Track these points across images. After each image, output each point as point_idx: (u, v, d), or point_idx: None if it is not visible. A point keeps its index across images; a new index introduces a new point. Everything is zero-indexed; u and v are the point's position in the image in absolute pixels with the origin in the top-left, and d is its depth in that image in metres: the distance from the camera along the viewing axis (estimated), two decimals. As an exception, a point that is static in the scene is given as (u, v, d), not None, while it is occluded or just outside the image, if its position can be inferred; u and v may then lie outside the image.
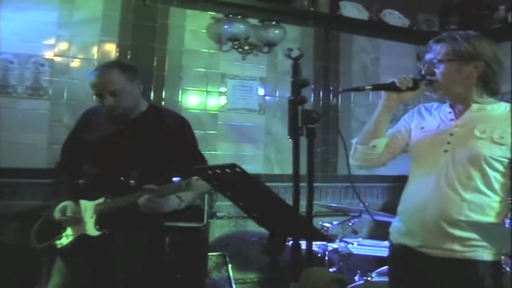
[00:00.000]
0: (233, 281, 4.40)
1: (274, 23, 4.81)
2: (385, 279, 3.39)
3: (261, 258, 4.54)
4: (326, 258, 3.92)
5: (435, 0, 5.52)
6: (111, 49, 4.48)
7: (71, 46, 4.34)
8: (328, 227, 4.01)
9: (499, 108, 2.38)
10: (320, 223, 4.09)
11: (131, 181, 2.89)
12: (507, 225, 2.63)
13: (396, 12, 5.43)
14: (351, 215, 4.05)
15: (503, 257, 2.42)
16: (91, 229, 2.93)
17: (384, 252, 3.20)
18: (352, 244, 3.98)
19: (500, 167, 2.28)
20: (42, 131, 4.22)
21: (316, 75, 5.18)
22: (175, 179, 2.61)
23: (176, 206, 2.86)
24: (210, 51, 4.82)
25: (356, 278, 3.77)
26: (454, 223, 2.25)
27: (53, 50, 4.28)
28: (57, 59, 4.30)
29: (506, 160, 2.27)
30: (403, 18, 5.45)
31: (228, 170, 1.54)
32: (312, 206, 1.81)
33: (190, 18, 4.75)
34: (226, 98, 4.87)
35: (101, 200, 2.93)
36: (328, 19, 5.23)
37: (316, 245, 3.89)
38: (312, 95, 5.11)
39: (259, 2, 4.83)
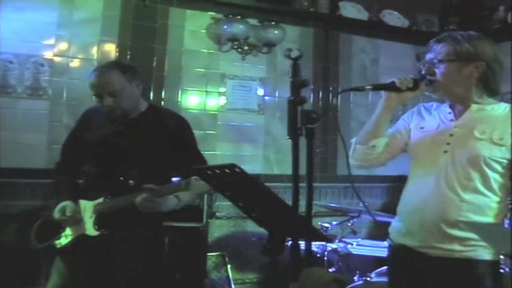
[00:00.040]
0: (232, 281, 4.40)
1: (273, 23, 4.82)
2: (384, 279, 3.38)
3: (260, 258, 4.55)
4: (325, 258, 3.92)
5: (435, 1, 5.52)
6: (111, 49, 4.48)
7: (71, 46, 4.35)
8: (327, 227, 4.02)
9: (499, 108, 2.38)
10: (320, 223, 4.09)
11: (130, 181, 2.89)
12: (506, 226, 2.63)
13: (396, 13, 5.43)
14: (350, 215, 4.06)
15: (501, 257, 2.41)
16: (90, 229, 2.93)
17: (383, 253, 3.20)
18: (351, 244, 3.98)
19: (499, 168, 2.28)
20: (42, 131, 4.22)
21: (316, 75, 5.18)
22: (174, 179, 2.61)
23: (174, 206, 2.86)
24: (210, 51, 4.83)
25: (355, 278, 3.77)
26: (453, 224, 2.25)
27: (52, 50, 4.28)
28: (57, 59, 4.30)
29: (505, 161, 2.27)
30: (403, 18, 5.45)
31: (227, 170, 1.54)
32: (312, 206, 1.81)
33: (190, 18, 4.75)
34: (225, 98, 4.87)
35: (100, 200, 2.93)
36: (328, 19, 5.23)
37: (315, 245, 3.89)
38: (312, 95, 5.11)
39: (259, 3, 4.83)
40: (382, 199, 5.39)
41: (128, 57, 4.49)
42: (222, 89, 4.86)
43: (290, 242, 1.79)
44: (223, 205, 4.63)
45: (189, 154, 3.01)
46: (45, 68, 4.25)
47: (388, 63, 5.51)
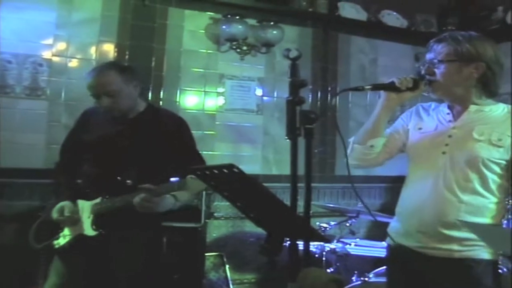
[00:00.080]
0: (230, 282, 4.40)
1: (272, 23, 4.82)
2: (382, 279, 3.39)
3: (258, 258, 4.55)
4: (324, 258, 3.92)
5: (433, 1, 5.52)
6: (110, 49, 4.48)
7: (70, 46, 4.34)
8: (325, 228, 4.01)
9: (497, 109, 2.38)
10: (318, 223, 4.09)
11: (128, 181, 2.88)
12: (504, 226, 2.64)
13: (395, 13, 5.43)
14: (348, 216, 4.06)
15: (500, 257, 2.42)
16: (88, 229, 2.93)
17: (382, 253, 3.20)
18: (350, 244, 3.98)
19: (498, 169, 2.28)
20: (40, 131, 4.22)
21: (314, 75, 5.18)
22: (173, 179, 2.61)
23: (171, 205, 2.86)
24: (208, 51, 4.83)
25: (354, 278, 3.77)
26: (451, 225, 2.25)
27: (51, 50, 4.28)
28: (55, 59, 4.30)
29: (503, 162, 2.27)
30: (401, 19, 5.45)
31: (226, 171, 1.54)
32: (310, 207, 1.81)
33: (189, 19, 4.75)
34: (224, 98, 4.87)
35: (98, 200, 2.93)
36: (327, 19, 5.23)
37: (313, 246, 3.89)
38: (310, 95, 5.11)
39: (258, 3, 4.83)
40: (381, 199, 5.39)
41: (127, 57, 4.49)
42: (220, 89, 4.86)
43: (288, 242, 1.79)
44: (222, 205, 4.62)
45: (188, 154, 3.01)
46: (43, 68, 4.24)
47: (387, 64, 5.51)
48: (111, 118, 3.00)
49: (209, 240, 4.59)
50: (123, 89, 2.93)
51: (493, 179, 2.29)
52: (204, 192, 4.02)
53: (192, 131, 3.15)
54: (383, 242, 2.70)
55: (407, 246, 2.40)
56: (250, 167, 4.75)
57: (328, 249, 3.92)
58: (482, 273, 2.26)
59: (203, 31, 4.80)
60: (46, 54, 4.26)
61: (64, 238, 3.01)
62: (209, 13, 4.81)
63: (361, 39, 5.46)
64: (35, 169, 4.12)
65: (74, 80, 4.27)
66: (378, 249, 3.81)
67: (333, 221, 4.14)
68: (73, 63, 4.36)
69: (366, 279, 3.66)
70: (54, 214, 2.96)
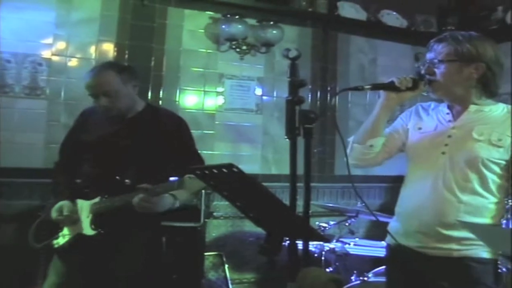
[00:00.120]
0: (229, 281, 4.40)
1: (272, 23, 4.82)
2: (381, 279, 3.39)
3: (258, 258, 4.55)
4: (323, 258, 3.93)
5: (433, 1, 5.52)
6: (109, 49, 4.48)
7: (69, 46, 4.34)
8: (325, 227, 4.02)
9: (497, 109, 2.38)
10: (317, 223, 4.09)
11: (127, 181, 2.88)
12: (503, 226, 2.64)
13: (394, 13, 5.43)
14: (347, 215, 4.06)
15: (499, 257, 2.42)
16: (87, 229, 2.93)
17: (381, 252, 3.20)
18: (349, 244, 3.99)
19: (497, 169, 2.28)
20: (39, 131, 4.22)
21: (314, 75, 5.18)
22: (172, 179, 2.61)
23: (170, 205, 2.85)
24: (208, 51, 4.83)
25: (353, 278, 3.77)
26: (451, 225, 2.25)
27: (50, 49, 4.28)
28: (55, 58, 4.30)
29: (503, 162, 2.27)
30: (401, 18, 5.45)
31: (225, 170, 1.54)
32: (309, 206, 1.81)
33: (188, 18, 4.75)
34: (223, 98, 4.87)
35: (97, 199, 2.93)
36: (326, 19, 5.23)
37: (313, 245, 3.90)
38: (310, 95, 5.11)
39: (257, 2, 4.83)
40: (380, 199, 5.39)
41: (126, 56, 4.49)
42: (220, 89, 4.86)
43: (287, 242, 1.79)
44: (221, 205, 4.62)
45: (187, 154, 3.01)
46: (43, 67, 4.24)
47: (387, 63, 5.51)
48: (109, 117, 3.00)
49: (209, 239, 4.59)
50: (121, 89, 2.93)
51: (493, 179, 2.29)
52: (203, 192, 4.01)
53: (192, 131, 3.15)
54: (382, 242, 2.70)
55: (407, 245, 2.39)
56: (250, 167, 4.76)
57: (328, 248, 3.93)
58: (482, 272, 2.26)
59: (202, 31, 4.80)
60: (46, 54, 4.26)
61: (63, 237, 3.01)
62: (208, 12, 4.81)
63: (360, 39, 5.46)
64: (35, 169, 4.12)
65: (73, 79, 4.27)
66: (377, 249, 3.81)
67: (332, 220, 4.14)
68: (73, 62, 4.36)
69: (365, 278, 3.66)
70: (53, 214, 2.96)
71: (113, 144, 2.97)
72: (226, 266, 4.44)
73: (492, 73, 2.33)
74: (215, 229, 4.74)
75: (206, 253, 4.35)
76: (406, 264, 2.42)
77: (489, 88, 2.37)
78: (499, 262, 2.34)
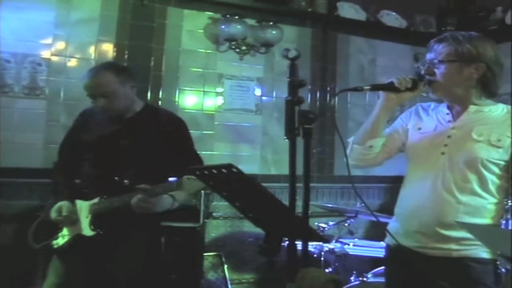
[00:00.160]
0: (229, 282, 4.40)
1: (271, 23, 4.82)
2: (380, 279, 3.39)
3: (257, 258, 4.56)
4: (322, 258, 3.92)
5: (433, 1, 5.52)
6: (109, 49, 4.48)
7: (68, 46, 4.34)
8: (324, 228, 4.02)
9: (497, 110, 2.38)
10: (316, 223, 4.09)
11: (126, 181, 2.88)
12: (502, 227, 2.63)
13: (394, 13, 5.43)
14: (347, 216, 4.06)
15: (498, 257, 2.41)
16: (86, 229, 2.93)
17: (380, 253, 3.20)
18: (348, 244, 3.98)
19: (497, 170, 2.28)
20: (39, 131, 4.22)
21: (313, 75, 5.18)
22: (171, 179, 2.61)
23: (169, 205, 2.86)
24: (207, 51, 4.83)
25: (352, 278, 3.76)
26: (450, 225, 2.25)
27: (50, 49, 4.28)
28: (54, 58, 4.30)
29: (502, 163, 2.27)
30: (401, 19, 5.45)
31: (224, 170, 1.54)
32: (308, 207, 1.81)
33: (188, 18, 4.75)
34: (223, 98, 4.87)
35: (96, 200, 2.93)
36: (326, 19, 5.24)
37: (312, 246, 3.90)
38: (309, 95, 5.12)
39: (257, 3, 4.83)
40: (380, 199, 5.39)
41: (126, 56, 4.49)
42: (219, 89, 4.86)
43: (286, 243, 1.79)
44: (220, 205, 4.62)
45: (186, 154, 3.01)
46: (42, 67, 4.24)
47: (386, 64, 5.51)
48: (108, 118, 3.00)
49: (208, 240, 4.59)
50: (119, 90, 2.93)
51: (492, 180, 2.28)
52: (202, 192, 4.01)
53: (191, 131, 3.15)
54: (382, 242, 2.70)
55: (406, 246, 2.39)
56: (249, 167, 4.76)
57: (327, 249, 3.93)
58: (481, 272, 2.26)
59: (202, 31, 4.80)
60: (45, 54, 4.26)
61: (62, 238, 3.01)
62: (208, 13, 4.81)
63: (360, 39, 5.46)
64: (34, 169, 4.12)
65: (73, 79, 4.26)
66: (377, 249, 3.81)
67: (331, 221, 4.14)
68: (72, 62, 4.35)
69: (365, 279, 3.66)
70: (53, 214, 2.96)
71: (112, 145, 2.97)
72: (225, 266, 4.44)
73: (492, 73, 2.32)
74: (214, 230, 4.74)
75: (205, 254, 4.35)
76: (405, 264, 2.41)
77: (489, 89, 2.36)
78: (498, 262, 2.34)
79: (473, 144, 2.28)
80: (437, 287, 2.30)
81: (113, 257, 2.91)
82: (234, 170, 1.51)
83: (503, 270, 2.71)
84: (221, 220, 4.76)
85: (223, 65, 4.87)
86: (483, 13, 5.21)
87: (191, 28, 4.77)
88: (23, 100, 4.18)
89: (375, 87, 2.44)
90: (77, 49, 4.37)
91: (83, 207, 2.97)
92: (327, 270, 3.85)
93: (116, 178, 2.89)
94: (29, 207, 3.94)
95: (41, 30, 4.25)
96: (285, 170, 1.84)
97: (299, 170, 1.80)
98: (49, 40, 4.28)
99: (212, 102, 4.84)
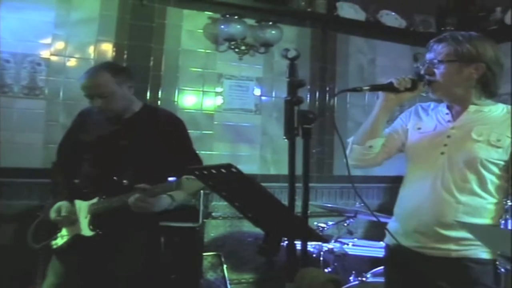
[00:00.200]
0: (228, 282, 4.40)
1: (271, 23, 4.82)
2: (380, 279, 3.39)
3: (256, 258, 4.55)
4: (321, 258, 3.92)
5: (432, 1, 5.52)
6: (108, 49, 4.47)
7: (68, 46, 4.34)
8: (323, 228, 4.02)
9: (497, 110, 2.37)
10: (316, 223, 4.09)
11: (124, 181, 2.88)
12: (502, 226, 2.63)
13: (393, 13, 5.43)
14: (346, 216, 4.06)
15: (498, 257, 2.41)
16: (85, 229, 2.93)
17: (379, 253, 3.20)
18: (347, 244, 3.98)
19: (496, 170, 2.28)
20: (38, 131, 4.22)
21: (313, 75, 5.18)
22: (170, 179, 2.61)
23: (167, 205, 2.86)
24: (207, 51, 4.83)
25: (351, 278, 3.77)
26: (449, 225, 2.25)
27: (49, 49, 4.28)
28: (54, 58, 4.29)
29: (502, 163, 2.27)
30: (400, 19, 5.46)
31: (223, 170, 1.54)
32: (308, 207, 1.81)
33: (187, 18, 4.75)
34: (222, 98, 4.87)
35: (95, 200, 2.93)
36: (325, 19, 5.24)
37: (311, 246, 3.90)
38: (308, 95, 5.12)
39: (256, 3, 4.83)
40: (379, 199, 5.39)
41: (125, 56, 4.49)
42: (219, 89, 4.86)
43: (286, 242, 1.79)
44: (219, 205, 4.62)
45: (184, 154, 3.01)
46: (42, 67, 4.24)
47: (385, 64, 5.51)
48: (106, 118, 3.01)
49: (207, 240, 4.59)
50: (116, 91, 2.93)
51: (492, 180, 2.28)
52: (202, 192, 4.01)
53: (190, 131, 3.15)
54: (381, 242, 2.70)
55: (406, 246, 2.39)
56: (248, 167, 4.76)
57: (326, 249, 3.93)
58: (481, 272, 2.26)
59: (201, 31, 4.80)
60: (45, 54, 4.26)
61: (62, 238, 3.01)
62: (207, 12, 4.81)
63: (359, 39, 5.46)
64: (33, 169, 4.11)
65: (72, 79, 4.25)
66: (376, 249, 3.81)
67: (331, 221, 4.14)
68: (72, 62, 4.35)
69: (364, 279, 3.66)
70: (52, 214, 2.96)
71: (111, 145, 2.97)
72: (225, 266, 4.44)
73: (492, 73, 2.32)
74: (213, 229, 4.74)
75: (204, 253, 4.35)
76: (404, 264, 2.41)
77: (488, 89, 2.36)
78: (497, 262, 2.34)
79: (472, 144, 2.28)
80: (436, 287, 2.30)
81: (113, 257, 2.91)
82: (234, 170, 1.50)
83: (502, 270, 2.71)
84: (221, 220, 4.76)
85: (223, 65, 4.87)
86: (482, 13, 5.21)
87: (190, 28, 4.77)
88: (23, 100, 4.18)
89: (375, 88, 2.44)
90: (77, 49, 4.37)
91: (82, 207, 2.97)
92: (326, 270, 3.85)
93: (115, 178, 2.89)
94: (29, 207, 3.94)
95: (40, 30, 4.25)
96: (285, 170, 1.84)
97: (299, 170, 1.80)
98: (48, 40, 4.27)
99: (211, 102, 4.84)
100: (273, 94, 5.05)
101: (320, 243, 3.88)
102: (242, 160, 4.84)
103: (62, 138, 3.27)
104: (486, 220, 2.28)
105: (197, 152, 3.12)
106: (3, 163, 3.95)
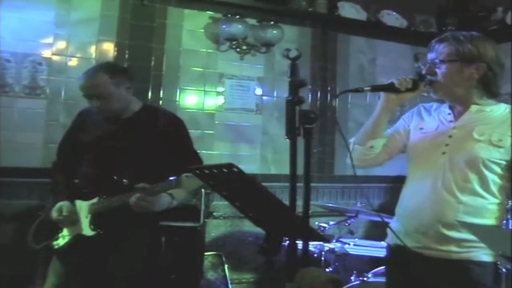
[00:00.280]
0: (229, 281, 4.40)
1: (272, 23, 4.82)
2: (381, 279, 3.39)
3: (257, 258, 4.54)
4: (322, 258, 3.92)
5: (433, 1, 5.52)
6: (109, 49, 4.47)
7: (69, 45, 4.34)
8: (324, 227, 4.02)
9: (498, 109, 2.37)
10: (317, 223, 4.09)
11: (124, 181, 2.88)
12: (503, 227, 2.63)
13: (394, 13, 5.43)
14: (347, 216, 4.06)
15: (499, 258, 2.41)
16: (86, 229, 2.93)
17: (380, 253, 3.20)
18: (349, 244, 3.99)
19: (498, 170, 2.27)
20: (39, 130, 4.22)
21: (314, 75, 5.18)
22: (171, 178, 2.61)
23: (167, 204, 2.86)
24: (208, 51, 4.82)
25: (352, 278, 3.77)
26: (450, 226, 2.25)
27: (50, 49, 4.28)
28: (55, 58, 4.29)
29: (504, 163, 2.26)
30: (401, 19, 5.45)
31: (225, 170, 1.54)
32: (309, 206, 1.81)
33: (188, 18, 4.75)
34: (223, 98, 4.87)
35: (95, 200, 2.93)
36: (326, 19, 5.23)
37: (312, 245, 3.90)
38: (310, 95, 5.11)
39: (257, 2, 4.83)
40: (380, 199, 5.38)
41: (126, 56, 4.49)
42: (220, 89, 4.86)
43: (287, 242, 1.79)
44: (220, 205, 4.62)
45: (185, 154, 3.00)
46: (43, 67, 4.24)
47: (386, 64, 5.51)
48: (104, 118, 3.01)
49: (208, 239, 4.59)
50: (114, 91, 2.94)
51: (494, 180, 2.28)
52: (203, 192, 4.01)
53: (191, 131, 3.15)
54: (382, 242, 2.70)
55: (407, 246, 2.39)
56: (249, 167, 4.75)
57: (327, 248, 3.93)
58: (481, 274, 2.25)
59: (202, 31, 4.80)
60: (46, 53, 4.26)
61: (63, 238, 3.01)
62: (208, 12, 4.81)
63: (360, 39, 5.46)
64: (34, 168, 4.11)
65: (73, 79, 4.23)
66: (377, 249, 3.82)
67: (332, 220, 4.15)
68: (73, 62, 4.35)
69: (365, 279, 3.66)
70: (54, 214, 2.97)
71: (110, 144, 2.97)
72: (226, 266, 4.44)
73: (493, 73, 2.32)
74: (214, 229, 4.74)
75: (205, 253, 4.35)
76: (405, 264, 2.41)
77: (490, 88, 2.36)
78: (498, 263, 2.34)
79: (474, 143, 2.28)
80: (437, 288, 2.31)
81: (113, 257, 2.91)
82: (235, 169, 1.51)
83: (503, 270, 2.71)
84: (221, 220, 4.76)
85: (224, 65, 4.87)
86: (483, 13, 5.21)
87: (191, 28, 4.76)
88: (24, 99, 4.18)
89: (376, 88, 2.44)
90: (78, 49, 4.37)
91: (83, 207, 2.97)
92: (327, 270, 3.85)
93: (114, 177, 2.89)
94: (29, 207, 3.94)
95: (41, 29, 4.25)
96: (285, 170, 1.84)
97: (300, 170, 1.80)
98: (49, 40, 4.27)
99: (212, 101, 4.84)
100: (274, 94, 5.05)
101: (321, 243, 3.88)
102: (242, 159, 4.84)
103: (62, 138, 3.27)
104: (487, 221, 2.28)
105: (198, 151, 3.12)
106: (3, 162, 3.95)
